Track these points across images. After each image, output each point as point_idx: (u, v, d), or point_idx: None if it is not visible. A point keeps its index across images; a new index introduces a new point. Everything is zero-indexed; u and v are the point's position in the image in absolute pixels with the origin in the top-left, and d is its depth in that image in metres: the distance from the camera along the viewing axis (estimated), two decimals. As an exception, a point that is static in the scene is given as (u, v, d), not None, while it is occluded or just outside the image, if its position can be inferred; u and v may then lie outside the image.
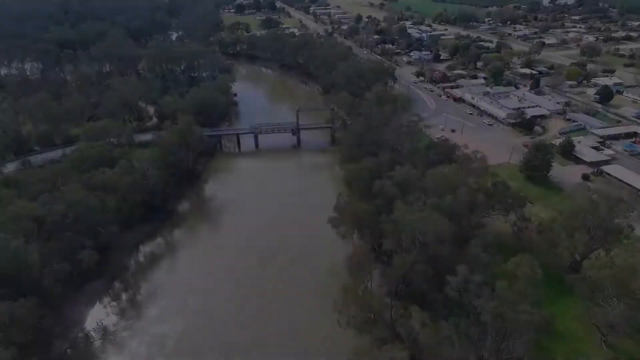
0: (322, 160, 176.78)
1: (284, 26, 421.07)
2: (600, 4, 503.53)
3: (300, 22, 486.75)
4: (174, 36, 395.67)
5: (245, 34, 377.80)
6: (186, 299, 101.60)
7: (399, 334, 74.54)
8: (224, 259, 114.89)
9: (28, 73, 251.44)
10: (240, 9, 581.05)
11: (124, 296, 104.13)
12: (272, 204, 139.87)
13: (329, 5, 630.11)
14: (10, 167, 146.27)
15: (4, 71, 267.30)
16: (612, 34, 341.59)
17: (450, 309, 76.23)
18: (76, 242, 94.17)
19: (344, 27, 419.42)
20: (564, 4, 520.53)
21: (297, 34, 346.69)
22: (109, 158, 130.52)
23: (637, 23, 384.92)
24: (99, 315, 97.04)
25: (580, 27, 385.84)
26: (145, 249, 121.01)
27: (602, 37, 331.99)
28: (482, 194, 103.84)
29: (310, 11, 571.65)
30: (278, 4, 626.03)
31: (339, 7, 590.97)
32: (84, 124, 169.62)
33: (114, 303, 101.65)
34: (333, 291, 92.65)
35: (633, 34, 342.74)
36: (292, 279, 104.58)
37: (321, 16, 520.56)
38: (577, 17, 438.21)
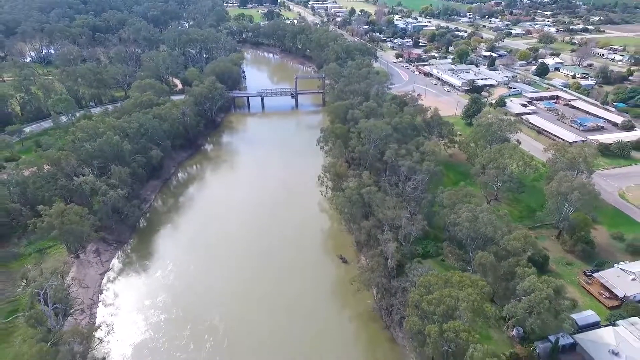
0: (314, 117, 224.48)
1: (284, 18, 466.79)
2: (573, 0, 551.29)
3: (299, 14, 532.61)
4: (186, 25, 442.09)
5: (250, 24, 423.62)
6: (220, 192, 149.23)
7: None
8: (240, 175, 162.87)
9: (68, 52, 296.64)
10: (243, 2, 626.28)
11: (175, 190, 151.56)
12: (275, 142, 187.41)
13: (326, 0, 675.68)
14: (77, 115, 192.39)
15: (44, 51, 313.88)
16: (572, 27, 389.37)
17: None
18: (147, 146, 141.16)
19: (339, 19, 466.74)
20: (539, 1, 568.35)
21: (296, 24, 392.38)
22: (156, 104, 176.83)
23: (597, 18, 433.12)
24: (161, 198, 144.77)
25: (548, 21, 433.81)
26: (185, 166, 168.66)
27: (562, 29, 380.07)
28: (423, 122, 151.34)
29: (309, 5, 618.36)
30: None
31: (335, 1, 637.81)
32: (124, 89, 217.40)
33: (169, 192, 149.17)
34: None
35: (590, 26, 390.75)
36: (287, 178, 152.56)
37: (318, 10, 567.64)
38: (548, 13, 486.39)
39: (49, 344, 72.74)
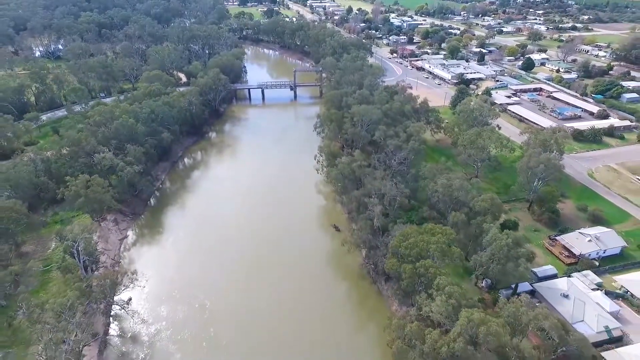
0: (312, 108, 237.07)
1: (283, 16, 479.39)
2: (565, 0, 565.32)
3: (298, 12, 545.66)
4: (187, 23, 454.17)
5: (250, 21, 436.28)
6: (223, 174, 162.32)
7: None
8: (243, 159, 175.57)
9: (77, 47, 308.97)
10: (243, 1, 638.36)
11: (183, 171, 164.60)
12: (275, 131, 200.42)
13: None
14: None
15: (52, 46, 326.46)
16: (561, 25, 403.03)
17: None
18: (158, 129, 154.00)
19: (336, 17, 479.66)
20: (532, 0, 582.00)
21: (294, 21, 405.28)
22: (164, 93, 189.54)
23: (586, 17, 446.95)
24: (169, 178, 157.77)
25: (539, 19, 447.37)
26: (191, 151, 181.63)
27: (552, 27, 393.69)
28: (412, 109, 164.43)
29: (307, 4, 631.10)
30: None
31: (333, 0, 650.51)
32: (131, 82, 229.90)
33: (177, 174, 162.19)
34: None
35: (579, 25, 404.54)
36: (286, 162, 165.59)
37: (317, 8, 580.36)
38: (540, 11, 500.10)
39: (84, 285, 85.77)
